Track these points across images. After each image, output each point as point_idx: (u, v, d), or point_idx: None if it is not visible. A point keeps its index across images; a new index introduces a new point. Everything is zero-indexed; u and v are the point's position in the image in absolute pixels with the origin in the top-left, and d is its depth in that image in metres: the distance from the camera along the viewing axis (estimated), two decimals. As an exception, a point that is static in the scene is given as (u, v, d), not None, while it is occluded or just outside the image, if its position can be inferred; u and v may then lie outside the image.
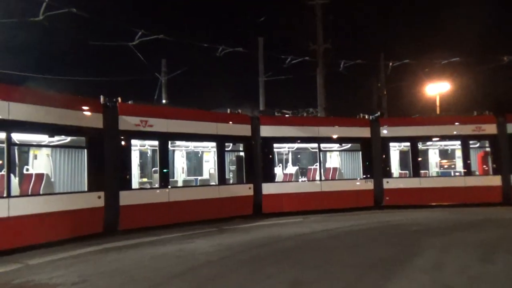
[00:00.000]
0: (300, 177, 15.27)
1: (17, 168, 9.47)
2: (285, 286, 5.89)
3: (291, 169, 15.43)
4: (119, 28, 17.76)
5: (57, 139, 10.11)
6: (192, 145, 13.75)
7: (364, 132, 15.24)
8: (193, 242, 9.27)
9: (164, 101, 21.10)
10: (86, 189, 9.88)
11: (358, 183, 14.84)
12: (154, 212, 11.00)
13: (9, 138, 8.35)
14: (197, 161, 14.48)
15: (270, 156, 14.16)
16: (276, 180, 14.36)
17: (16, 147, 9.13)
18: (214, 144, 13.01)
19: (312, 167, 15.38)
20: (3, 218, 7.98)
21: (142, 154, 12.76)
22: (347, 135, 15.09)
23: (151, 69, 20.81)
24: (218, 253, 7.99)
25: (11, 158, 8.46)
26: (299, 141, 14.90)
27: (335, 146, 15.54)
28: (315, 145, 14.83)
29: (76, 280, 6.18)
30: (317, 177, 14.60)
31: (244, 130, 13.57)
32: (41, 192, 9.07)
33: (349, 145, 15.49)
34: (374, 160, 15.08)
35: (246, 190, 13.23)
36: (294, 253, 8.16)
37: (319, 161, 14.66)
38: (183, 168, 13.94)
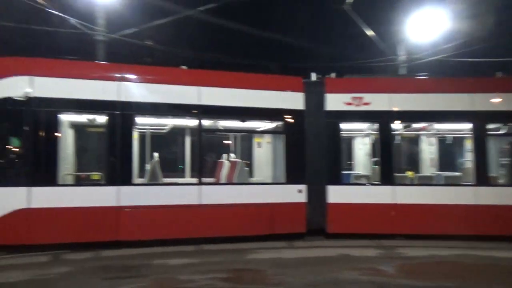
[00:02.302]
0: None
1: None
2: None
3: None
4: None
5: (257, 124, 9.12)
6: (441, 128, 9.95)
7: None
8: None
9: None
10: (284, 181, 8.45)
11: None
12: (367, 215, 8.42)
13: None
14: (450, 151, 10.49)
15: None
16: None
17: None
18: (470, 125, 8.89)
19: None
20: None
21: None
22: None
23: None
24: None
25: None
26: None
27: None
28: None
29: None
30: None
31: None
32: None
33: None
34: None
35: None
36: None
37: None
38: (430, 161, 10.39)
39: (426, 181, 9.43)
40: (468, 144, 9.28)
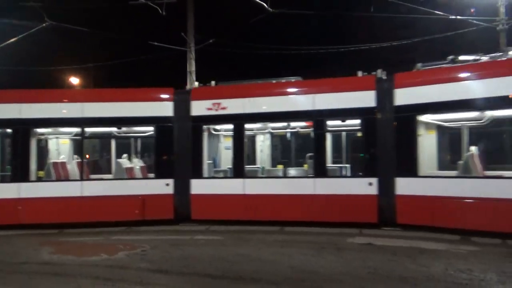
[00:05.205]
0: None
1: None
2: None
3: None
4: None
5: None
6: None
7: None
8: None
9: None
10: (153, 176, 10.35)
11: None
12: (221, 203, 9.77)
13: None
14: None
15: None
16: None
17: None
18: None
19: None
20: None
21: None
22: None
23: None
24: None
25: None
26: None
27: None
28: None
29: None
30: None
31: (365, 99, 9.35)
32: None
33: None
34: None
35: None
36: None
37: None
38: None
39: (271, 174, 10.59)
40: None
